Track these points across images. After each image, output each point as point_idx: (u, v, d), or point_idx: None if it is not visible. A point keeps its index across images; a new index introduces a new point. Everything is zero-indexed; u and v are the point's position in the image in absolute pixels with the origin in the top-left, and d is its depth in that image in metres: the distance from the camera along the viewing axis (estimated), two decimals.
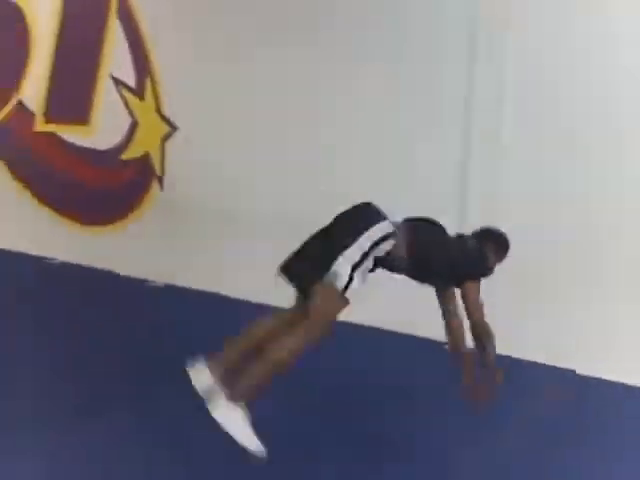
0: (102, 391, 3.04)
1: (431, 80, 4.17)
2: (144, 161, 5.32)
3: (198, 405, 2.25)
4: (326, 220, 2.45)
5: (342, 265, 2.24)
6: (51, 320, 4.12)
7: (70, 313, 4.37)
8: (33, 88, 5.87)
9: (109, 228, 5.50)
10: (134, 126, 5.31)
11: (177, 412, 2.73)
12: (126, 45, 5.31)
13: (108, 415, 2.72)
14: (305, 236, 2.46)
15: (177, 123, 5.15)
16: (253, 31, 4.73)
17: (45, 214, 5.83)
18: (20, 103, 5.95)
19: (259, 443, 2.15)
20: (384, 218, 2.39)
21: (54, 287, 5.04)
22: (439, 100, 4.17)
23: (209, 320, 4.14)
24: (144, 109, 5.25)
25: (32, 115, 5.86)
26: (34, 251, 5.69)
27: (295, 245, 2.46)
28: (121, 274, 5.24)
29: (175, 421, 2.69)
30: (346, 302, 2.27)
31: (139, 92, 5.26)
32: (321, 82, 4.53)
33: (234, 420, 2.17)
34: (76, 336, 3.84)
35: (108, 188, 5.50)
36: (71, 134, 5.70)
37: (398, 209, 2.51)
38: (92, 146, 5.57)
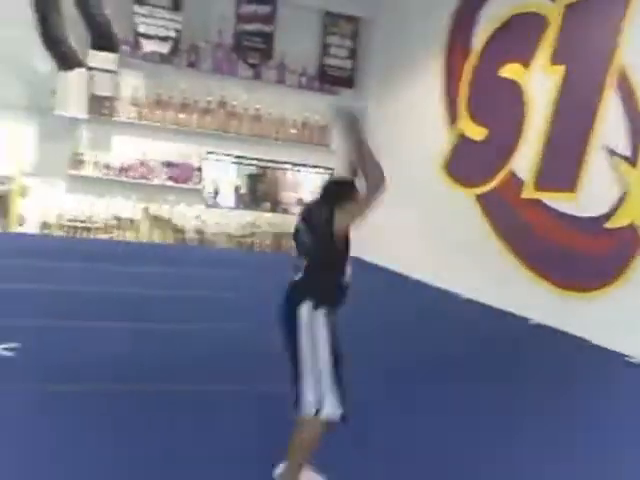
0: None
1: None
2: (629, 231, 5.17)
3: None
4: None
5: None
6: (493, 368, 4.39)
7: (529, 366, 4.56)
8: (525, 159, 6.38)
9: (588, 295, 5.49)
10: (624, 195, 5.22)
11: None
12: (622, 115, 5.29)
13: None
14: None
15: None
16: None
17: (525, 274, 6.23)
18: (511, 172, 6.55)
19: None
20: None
21: (529, 345, 5.33)
22: None
23: None
24: (638, 178, 5.12)
25: (521, 183, 6.37)
26: (512, 309, 6.15)
27: None
28: (594, 343, 5.17)
29: None
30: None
31: (633, 161, 5.16)
32: None
33: None
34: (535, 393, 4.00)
35: (590, 256, 5.53)
36: (556, 201, 5.96)
37: None
38: (575, 213, 5.70)
